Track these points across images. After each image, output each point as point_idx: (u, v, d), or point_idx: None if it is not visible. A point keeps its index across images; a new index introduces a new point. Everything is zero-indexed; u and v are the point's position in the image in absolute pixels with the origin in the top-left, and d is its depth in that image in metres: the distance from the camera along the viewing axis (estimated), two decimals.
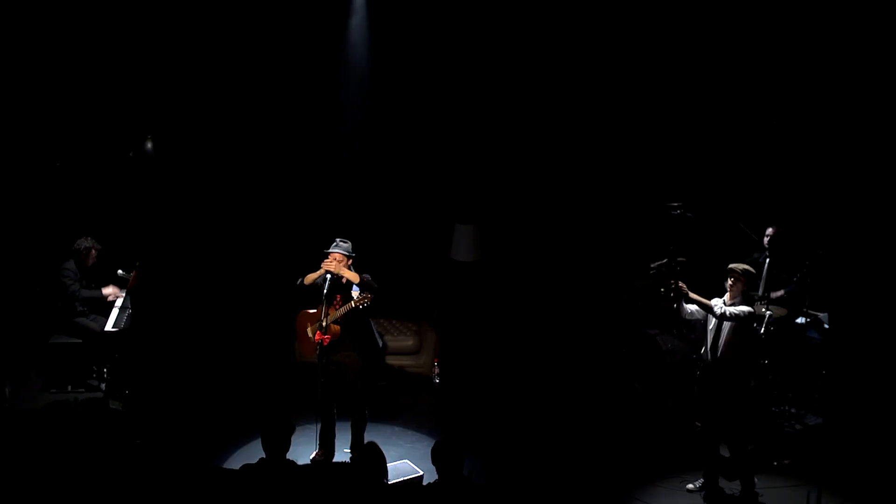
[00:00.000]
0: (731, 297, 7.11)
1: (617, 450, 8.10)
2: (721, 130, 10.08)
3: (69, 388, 8.77)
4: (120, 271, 8.92)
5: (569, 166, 10.71)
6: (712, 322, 7.17)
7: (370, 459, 5.46)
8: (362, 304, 7.38)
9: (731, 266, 7.14)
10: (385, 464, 5.52)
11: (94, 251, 8.90)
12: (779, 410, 8.57)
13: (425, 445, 7.70)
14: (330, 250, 7.52)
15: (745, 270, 7.10)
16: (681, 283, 7.17)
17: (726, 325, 7.07)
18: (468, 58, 10.42)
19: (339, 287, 7.54)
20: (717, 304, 7.12)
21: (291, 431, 5.68)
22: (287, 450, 5.63)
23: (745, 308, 7.02)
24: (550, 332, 10.32)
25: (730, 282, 7.10)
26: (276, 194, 10.76)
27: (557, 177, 10.76)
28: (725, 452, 7.45)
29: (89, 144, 10.28)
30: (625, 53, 10.20)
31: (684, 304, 7.30)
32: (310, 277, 7.55)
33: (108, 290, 8.92)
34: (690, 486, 7.44)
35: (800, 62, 9.50)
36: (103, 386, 8.74)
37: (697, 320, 7.46)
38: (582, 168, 10.69)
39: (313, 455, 7.68)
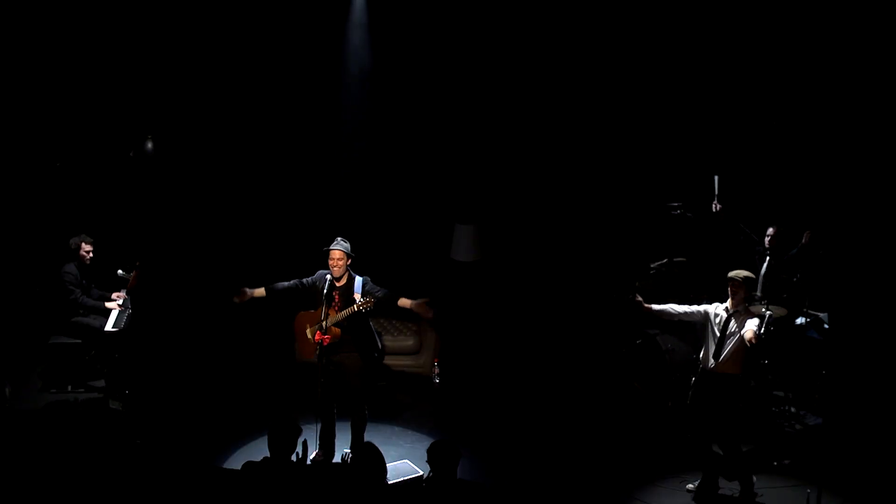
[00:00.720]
0: (735, 305, 7.09)
1: (617, 450, 8.11)
2: (721, 130, 10.09)
3: (69, 388, 8.77)
4: (120, 271, 8.91)
5: (569, 166, 10.71)
6: (718, 327, 7.14)
7: (369, 459, 5.46)
8: (365, 308, 7.37)
9: (730, 275, 7.10)
10: (384, 464, 5.52)
11: (83, 245, 8.86)
12: (779, 410, 8.57)
13: (425, 445, 7.65)
14: (331, 247, 7.53)
15: (745, 278, 7.07)
16: (639, 298, 7.25)
17: (734, 334, 7.03)
18: (468, 58, 10.42)
19: (339, 288, 7.54)
20: (719, 308, 7.12)
21: (298, 433, 5.69)
22: (293, 451, 5.63)
23: (757, 319, 6.98)
24: (550, 332, 10.32)
25: (731, 290, 7.07)
26: (276, 194, 10.76)
27: (557, 177, 10.77)
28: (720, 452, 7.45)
29: (89, 144, 10.28)
30: (625, 54, 10.21)
31: (673, 308, 7.33)
32: (259, 293, 7.64)
33: (112, 305, 8.89)
34: (690, 486, 7.43)
35: (800, 62, 9.51)
36: (103, 380, 8.74)
37: (696, 321, 7.45)
38: (582, 168, 10.69)
39: (313, 455, 7.68)
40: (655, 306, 7.36)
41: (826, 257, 8.45)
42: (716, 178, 9.01)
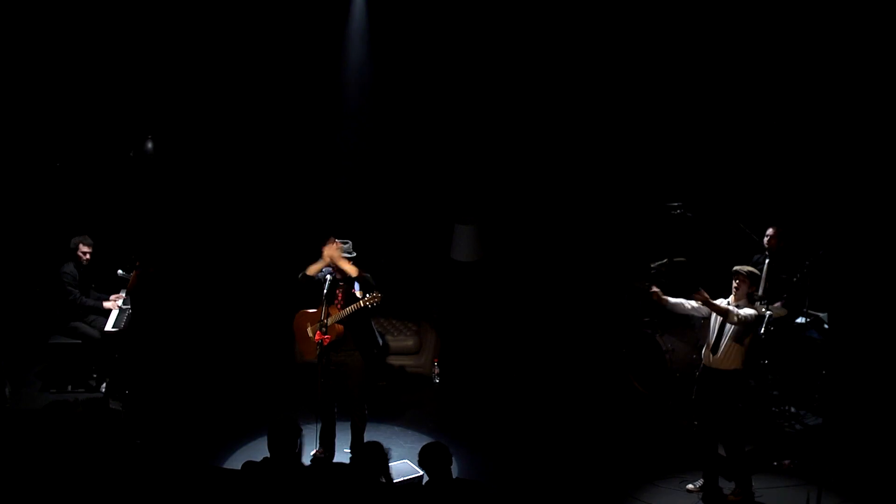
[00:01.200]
0: (737, 300, 7.11)
1: (617, 450, 8.10)
2: (721, 130, 10.08)
3: (69, 388, 8.77)
4: (120, 271, 8.91)
5: (569, 166, 10.71)
6: (716, 322, 7.16)
7: (371, 459, 5.46)
8: (372, 304, 7.35)
9: (735, 268, 7.17)
10: (387, 463, 5.52)
11: (82, 246, 8.86)
12: (779, 410, 8.57)
13: None
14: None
15: (749, 272, 7.13)
16: (655, 289, 7.26)
17: (730, 326, 7.06)
18: (468, 58, 10.42)
19: (341, 287, 7.53)
20: (731, 311, 7.12)
21: (299, 434, 5.68)
22: (294, 452, 5.63)
23: (752, 311, 7.02)
24: (550, 331, 10.32)
25: (735, 283, 7.11)
26: (276, 194, 10.75)
27: (557, 177, 10.77)
28: (724, 452, 7.44)
29: (89, 144, 10.28)
30: (625, 53, 10.20)
31: (681, 301, 7.32)
32: (312, 268, 7.46)
33: (110, 305, 8.89)
34: (690, 486, 7.44)
35: (800, 62, 9.50)
36: (102, 388, 8.73)
37: (698, 319, 7.45)
38: (582, 168, 10.69)
39: (314, 452, 7.68)
40: (671, 299, 7.36)
41: (826, 257, 8.44)
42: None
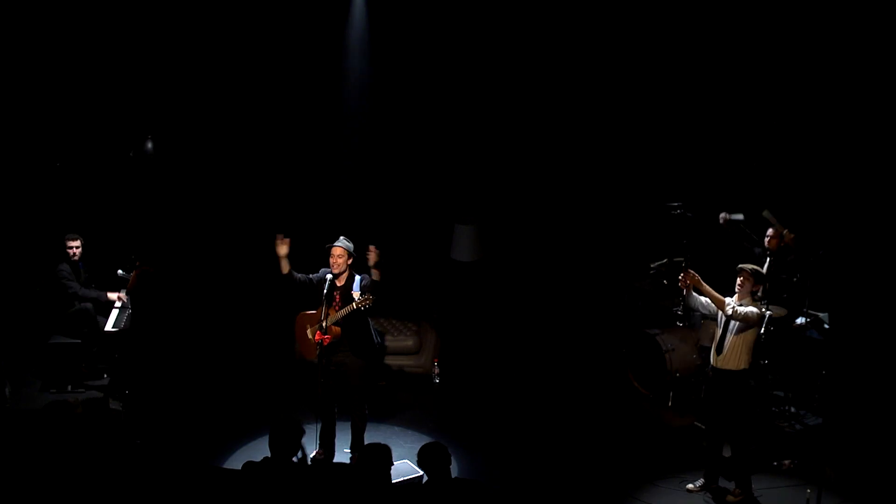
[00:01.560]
0: (740, 297, 7.10)
1: (617, 449, 8.11)
2: (721, 130, 10.09)
3: (69, 388, 8.78)
4: (120, 271, 8.93)
5: (569, 166, 10.71)
6: (721, 320, 7.16)
7: (376, 460, 5.45)
8: (364, 306, 7.37)
9: (740, 266, 7.15)
10: (390, 465, 5.51)
11: (69, 242, 8.90)
12: (779, 410, 8.57)
13: None
14: (333, 244, 7.54)
15: (754, 270, 7.12)
16: (691, 271, 7.14)
17: (733, 324, 7.06)
18: (468, 58, 10.42)
19: (339, 288, 7.54)
20: (727, 301, 7.12)
21: (302, 434, 5.68)
22: (295, 452, 5.63)
23: (753, 309, 7.01)
24: (550, 331, 10.32)
25: (739, 281, 7.09)
26: (276, 194, 10.75)
27: (557, 177, 10.77)
28: (728, 453, 7.44)
29: (89, 144, 10.29)
30: (625, 53, 10.21)
31: (695, 295, 7.30)
32: (283, 268, 7.53)
33: (113, 296, 8.91)
34: (690, 486, 7.44)
35: (799, 62, 9.51)
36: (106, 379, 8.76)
37: (702, 315, 7.43)
38: (582, 168, 10.69)
39: (313, 454, 7.69)
40: (694, 291, 7.33)
41: (826, 257, 8.44)
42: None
